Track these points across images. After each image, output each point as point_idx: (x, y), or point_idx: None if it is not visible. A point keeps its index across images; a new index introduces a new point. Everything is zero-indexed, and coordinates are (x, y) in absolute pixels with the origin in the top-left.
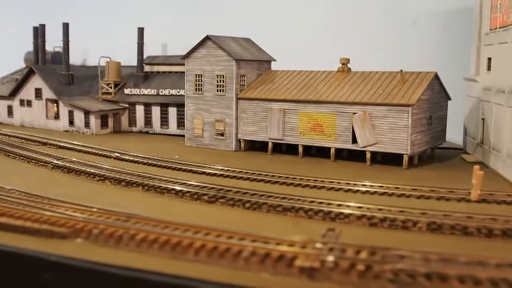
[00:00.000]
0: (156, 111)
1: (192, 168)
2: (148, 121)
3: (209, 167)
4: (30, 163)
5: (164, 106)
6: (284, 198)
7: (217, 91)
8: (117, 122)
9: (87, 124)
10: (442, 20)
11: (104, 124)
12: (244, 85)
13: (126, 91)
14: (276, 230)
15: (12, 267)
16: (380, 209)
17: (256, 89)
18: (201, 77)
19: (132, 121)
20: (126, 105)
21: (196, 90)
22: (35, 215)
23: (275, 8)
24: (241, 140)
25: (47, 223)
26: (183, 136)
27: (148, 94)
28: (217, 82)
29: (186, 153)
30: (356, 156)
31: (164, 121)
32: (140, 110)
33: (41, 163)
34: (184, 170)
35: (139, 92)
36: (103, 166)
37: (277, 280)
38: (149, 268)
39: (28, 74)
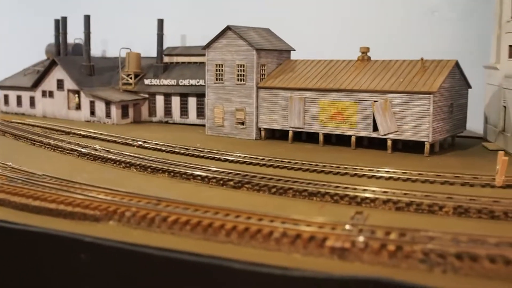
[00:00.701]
0: (176, 101)
1: (215, 156)
2: (168, 111)
3: (232, 155)
4: (56, 151)
5: (183, 96)
6: (309, 183)
7: (238, 80)
8: (137, 112)
9: (108, 114)
10: (460, 9)
11: (124, 114)
12: (264, 74)
13: (146, 81)
14: (303, 214)
15: (50, 248)
16: (405, 194)
17: (276, 78)
18: (222, 66)
19: (152, 111)
20: (146, 96)
21: (216, 80)
22: (68, 199)
23: None
24: (261, 129)
25: (80, 206)
26: (203, 125)
27: (168, 85)
28: (238, 71)
29: (207, 142)
30: (377, 144)
31: (184, 111)
32: (160, 100)
33: (67, 151)
34: (207, 157)
35: (159, 82)
36: (128, 153)
37: (309, 260)
38: (182, 248)
39: (50, 66)
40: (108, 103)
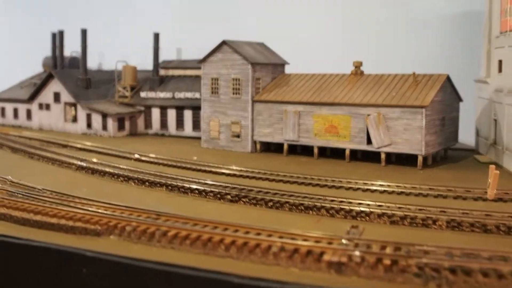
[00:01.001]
0: (171, 114)
1: (212, 169)
2: (163, 123)
3: (228, 168)
4: (54, 165)
5: (179, 109)
6: (305, 197)
7: (233, 94)
8: (133, 124)
9: (104, 127)
10: (451, 23)
11: (121, 127)
12: (259, 88)
13: (142, 94)
14: (300, 227)
15: (52, 262)
16: (399, 208)
17: (271, 92)
18: (217, 80)
19: (148, 124)
20: (142, 108)
21: (212, 93)
22: (69, 213)
23: (287, 13)
24: (256, 142)
25: (81, 220)
26: (199, 138)
27: (163, 98)
28: (233, 85)
29: (203, 155)
30: (370, 157)
31: (180, 123)
32: (156, 113)
33: (65, 165)
34: (204, 171)
35: (155, 95)
36: (125, 167)
37: (306, 275)
38: (182, 263)
39: (47, 79)
40: (104, 116)
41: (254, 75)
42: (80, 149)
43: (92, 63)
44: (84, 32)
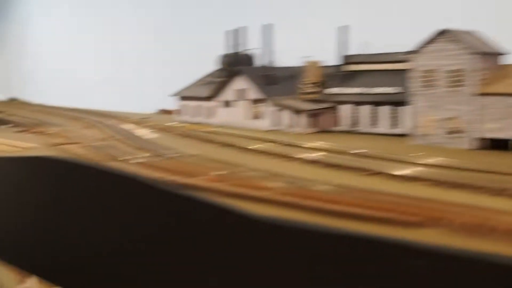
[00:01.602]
0: (364, 110)
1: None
2: (355, 120)
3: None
4: (276, 158)
5: (374, 105)
6: None
7: (452, 86)
8: (323, 121)
9: (295, 123)
10: None
11: (312, 123)
12: (481, 79)
13: (330, 90)
14: None
15: (372, 255)
16: None
17: (499, 83)
18: (432, 72)
19: (338, 120)
20: (331, 104)
21: (425, 87)
22: (375, 204)
23: None
24: (481, 139)
25: (396, 211)
26: (396, 135)
27: (354, 93)
28: (452, 77)
29: (425, 152)
30: None
31: (374, 120)
32: (346, 109)
33: (287, 158)
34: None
35: (344, 91)
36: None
37: None
38: None
39: (229, 76)
40: (295, 112)
41: (476, 65)
42: (308, 148)
43: (271, 60)
44: (268, 27)
